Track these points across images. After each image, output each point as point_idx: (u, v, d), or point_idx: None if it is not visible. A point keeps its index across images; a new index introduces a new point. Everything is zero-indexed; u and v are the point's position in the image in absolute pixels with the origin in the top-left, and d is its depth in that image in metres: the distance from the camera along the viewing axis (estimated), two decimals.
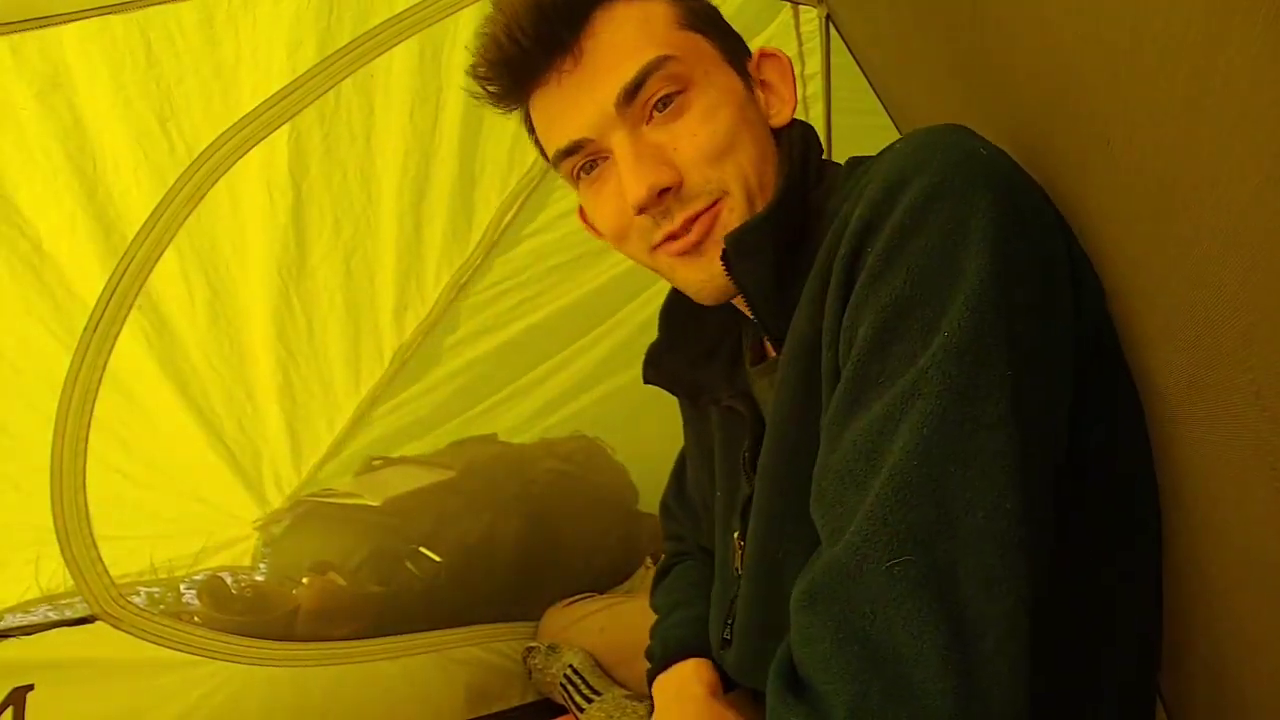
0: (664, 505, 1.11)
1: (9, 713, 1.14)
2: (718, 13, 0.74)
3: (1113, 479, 0.59)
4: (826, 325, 0.59)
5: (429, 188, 1.38)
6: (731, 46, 0.72)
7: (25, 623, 1.20)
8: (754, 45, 1.51)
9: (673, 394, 0.89)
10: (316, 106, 1.19)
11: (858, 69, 1.32)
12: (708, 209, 0.68)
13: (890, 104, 1.22)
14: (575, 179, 0.73)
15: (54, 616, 1.22)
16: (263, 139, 1.16)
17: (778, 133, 0.73)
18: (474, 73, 0.72)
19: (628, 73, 0.66)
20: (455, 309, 1.54)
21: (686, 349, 0.84)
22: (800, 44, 1.47)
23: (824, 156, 0.75)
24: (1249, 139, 0.39)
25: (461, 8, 1.19)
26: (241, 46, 1.12)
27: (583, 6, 0.68)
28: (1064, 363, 0.55)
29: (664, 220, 0.68)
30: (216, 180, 1.15)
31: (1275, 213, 0.39)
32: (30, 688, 1.16)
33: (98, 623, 1.23)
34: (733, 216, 0.68)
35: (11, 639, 1.18)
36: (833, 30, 1.40)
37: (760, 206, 0.68)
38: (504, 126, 1.38)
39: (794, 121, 0.74)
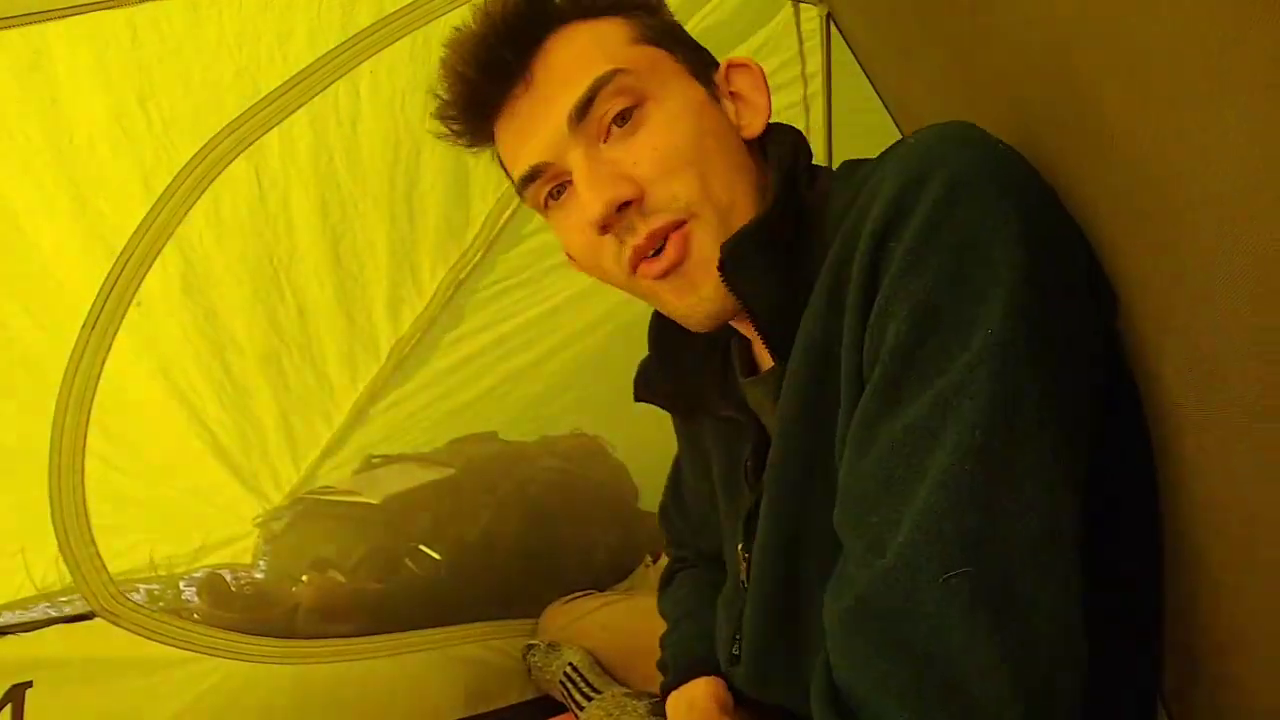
0: (663, 510, 1.09)
1: (8, 710, 1.14)
2: (679, 27, 0.73)
3: (1116, 478, 0.58)
4: (848, 328, 0.56)
5: (420, 179, 1.37)
6: (695, 59, 0.71)
7: (24, 620, 1.20)
8: (754, 43, 1.52)
9: (667, 411, 0.88)
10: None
11: (859, 67, 1.31)
12: (675, 226, 0.65)
13: (891, 102, 1.22)
14: (544, 208, 0.71)
15: (53, 614, 1.22)
16: (256, 140, 1.16)
17: (761, 141, 0.71)
18: (437, 114, 0.71)
19: (578, 89, 0.64)
20: (456, 306, 1.54)
21: (677, 364, 0.81)
22: (801, 42, 1.47)
23: (814, 159, 0.73)
24: (1260, 138, 0.38)
25: (453, 8, 1.19)
26: (235, 43, 1.12)
27: (533, 30, 0.66)
28: (1090, 358, 0.54)
29: (628, 236, 0.65)
30: (212, 180, 1.15)
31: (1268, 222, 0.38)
32: (29, 685, 1.16)
33: (96, 619, 1.23)
34: (707, 236, 0.65)
35: (10, 636, 1.19)
36: (833, 28, 1.39)
37: (736, 222, 0.65)
38: None
39: (780, 126, 0.72)
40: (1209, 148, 0.43)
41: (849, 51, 1.35)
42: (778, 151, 0.69)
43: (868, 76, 1.28)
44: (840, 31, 1.37)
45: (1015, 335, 0.49)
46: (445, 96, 0.70)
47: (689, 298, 0.67)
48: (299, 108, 1.17)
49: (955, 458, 0.48)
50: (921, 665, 0.47)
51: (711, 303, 0.66)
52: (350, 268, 1.38)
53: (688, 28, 1.45)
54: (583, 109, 0.64)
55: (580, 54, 0.66)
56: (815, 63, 1.47)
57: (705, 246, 0.65)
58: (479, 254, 1.51)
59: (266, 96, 1.15)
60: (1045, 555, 0.48)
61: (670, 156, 0.64)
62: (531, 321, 1.58)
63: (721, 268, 0.64)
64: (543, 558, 1.61)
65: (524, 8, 0.67)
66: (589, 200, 0.64)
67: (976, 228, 0.50)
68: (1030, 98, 0.63)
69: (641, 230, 0.65)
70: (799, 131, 0.73)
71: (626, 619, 1.36)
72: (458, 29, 0.68)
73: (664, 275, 0.66)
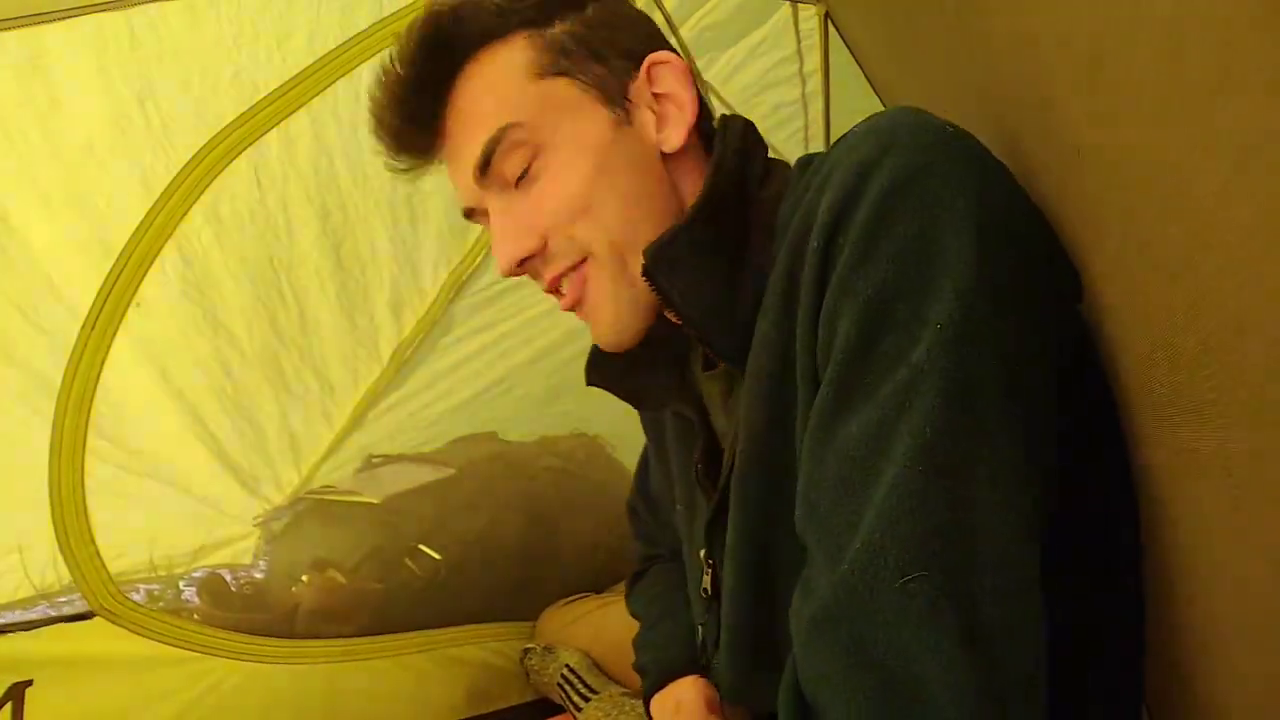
0: (630, 507, 1.08)
1: (8, 708, 1.14)
2: (598, 23, 0.68)
3: (1093, 478, 0.57)
4: (801, 326, 0.55)
5: (422, 181, 1.37)
6: (606, 71, 0.67)
7: (24, 619, 1.21)
8: (752, 42, 1.51)
9: (621, 399, 0.84)
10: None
11: (857, 67, 1.32)
12: (574, 268, 0.67)
13: (888, 101, 1.22)
14: None
15: (53, 614, 1.22)
16: (255, 140, 1.16)
17: (705, 137, 0.70)
18: (381, 153, 0.71)
19: (476, 150, 0.65)
20: (456, 306, 1.54)
21: (629, 351, 0.75)
22: (799, 41, 1.47)
23: (769, 152, 0.71)
24: (1212, 147, 0.39)
25: None
26: (233, 44, 1.12)
27: (440, 84, 0.66)
28: (1051, 347, 0.52)
29: (537, 280, 0.70)
30: (211, 181, 1.16)
31: (1231, 229, 0.39)
32: (29, 683, 1.16)
33: (96, 618, 1.23)
34: (602, 275, 0.67)
35: (10, 634, 1.19)
36: (831, 28, 1.39)
37: (632, 259, 0.66)
38: None
39: (730, 119, 0.70)
40: (1164, 158, 0.43)
41: (847, 51, 1.35)
42: (720, 149, 0.67)
43: (866, 76, 1.28)
44: (838, 31, 1.37)
45: (967, 328, 0.47)
46: (383, 138, 0.70)
47: (595, 330, 0.70)
48: (298, 109, 1.18)
49: (909, 459, 0.46)
50: (883, 672, 0.46)
51: (614, 334, 0.69)
52: (352, 270, 1.38)
53: (686, 28, 1.45)
54: (483, 167, 0.66)
55: (482, 104, 0.66)
56: (813, 61, 1.47)
57: (600, 287, 0.67)
58: (481, 255, 1.51)
59: (266, 97, 1.15)
60: (1007, 550, 0.47)
61: (565, 206, 0.65)
62: (531, 321, 1.58)
63: (645, 272, 0.64)
64: (542, 558, 1.61)
65: (426, 58, 0.66)
66: (497, 255, 0.68)
67: (925, 217, 0.49)
68: (1010, 106, 0.64)
69: (545, 276, 0.68)
70: (749, 125, 0.71)
71: (624, 620, 1.35)
72: (381, 72, 0.68)
73: (570, 310, 0.70)
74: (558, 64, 0.66)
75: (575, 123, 0.66)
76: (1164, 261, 0.46)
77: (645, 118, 0.68)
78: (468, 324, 1.55)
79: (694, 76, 0.70)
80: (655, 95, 0.69)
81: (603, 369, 0.78)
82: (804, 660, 0.50)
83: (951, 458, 0.47)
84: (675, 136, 0.68)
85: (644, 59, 0.69)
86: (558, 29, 0.67)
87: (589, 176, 0.65)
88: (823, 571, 0.50)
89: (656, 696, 0.88)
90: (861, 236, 0.50)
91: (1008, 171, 0.55)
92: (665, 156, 0.68)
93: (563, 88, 0.66)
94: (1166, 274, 0.46)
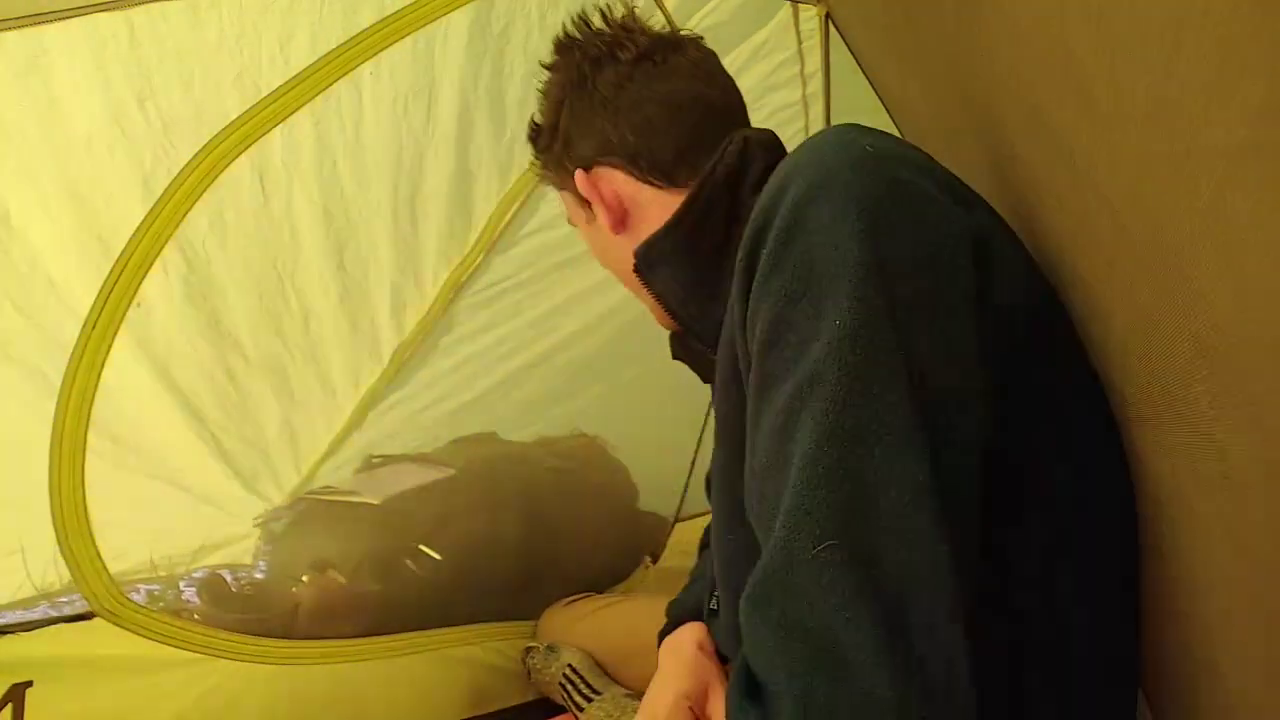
0: (707, 479, 1.16)
1: (8, 709, 1.14)
2: (567, 146, 0.86)
3: (1090, 482, 0.58)
4: (736, 328, 0.61)
5: (424, 182, 1.37)
6: (574, 183, 0.85)
7: (24, 619, 1.21)
8: (753, 43, 1.51)
9: (696, 373, 0.93)
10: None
11: (857, 67, 1.31)
12: None
13: (890, 103, 1.22)
14: None
15: (53, 614, 1.22)
16: (256, 140, 1.16)
17: (689, 167, 0.80)
18: None
19: None
20: (456, 307, 1.54)
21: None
22: (800, 42, 1.47)
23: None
24: (1206, 150, 0.39)
25: (454, 8, 1.19)
26: (235, 45, 1.12)
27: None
28: (967, 342, 0.54)
29: None
30: (212, 181, 1.15)
31: (1225, 232, 0.39)
32: (29, 684, 1.16)
33: (97, 619, 1.23)
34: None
35: (10, 635, 1.19)
36: (832, 29, 1.39)
37: (643, 294, 0.83)
38: (500, 125, 1.39)
39: (738, 131, 0.79)
40: (1157, 161, 0.44)
41: (848, 52, 1.35)
42: (715, 160, 0.77)
43: (866, 77, 1.28)
44: (839, 31, 1.37)
45: (866, 324, 0.51)
46: None
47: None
48: (300, 108, 1.17)
49: (815, 439, 0.51)
50: (811, 644, 0.49)
51: (660, 324, 0.88)
52: (353, 271, 1.38)
53: (686, 28, 1.46)
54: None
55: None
56: (814, 62, 1.47)
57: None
58: (481, 255, 1.51)
59: (267, 97, 1.14)
60: (913, 523, 0.49)
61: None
62: (531, 322, 1.58)
63: (636, 269, 0.79)
64: (542, 558, 1.61)
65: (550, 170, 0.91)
66: None
67: (824, 230, 0.54)
68: (1007, 108, 0.65)
69: None
70: (752, 136, 0.78)
71: (625, 620, 1.36)
72: None
73: None
74: (560, 181, 0.89)
75: (578, 222, 0.91)
76: (1157, 265, 0.46)
77: (600, 210, 0.85)
78: (468, 325, 1.55)
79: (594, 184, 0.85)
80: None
81: (687, 348, 0.89)
82: (747, 638, 0.54)
83: (851, 436, 0.50)
84: (610, 224, 0.85)
85: (573, 168, 0.85)
86: (556, 150, 0.87)
87: (599, 258, 0.92)
88: (762, 554, 0.54)
89: (663, 643, 0.93)
90: (774, 245, 0.56)
91: (928, 178, 0.58)
92: (621, 228, 0.84)
93: (566, 198, 0.90)
94: (1159, 277, 0.46)
